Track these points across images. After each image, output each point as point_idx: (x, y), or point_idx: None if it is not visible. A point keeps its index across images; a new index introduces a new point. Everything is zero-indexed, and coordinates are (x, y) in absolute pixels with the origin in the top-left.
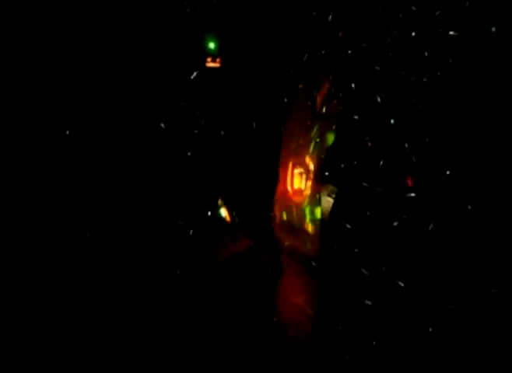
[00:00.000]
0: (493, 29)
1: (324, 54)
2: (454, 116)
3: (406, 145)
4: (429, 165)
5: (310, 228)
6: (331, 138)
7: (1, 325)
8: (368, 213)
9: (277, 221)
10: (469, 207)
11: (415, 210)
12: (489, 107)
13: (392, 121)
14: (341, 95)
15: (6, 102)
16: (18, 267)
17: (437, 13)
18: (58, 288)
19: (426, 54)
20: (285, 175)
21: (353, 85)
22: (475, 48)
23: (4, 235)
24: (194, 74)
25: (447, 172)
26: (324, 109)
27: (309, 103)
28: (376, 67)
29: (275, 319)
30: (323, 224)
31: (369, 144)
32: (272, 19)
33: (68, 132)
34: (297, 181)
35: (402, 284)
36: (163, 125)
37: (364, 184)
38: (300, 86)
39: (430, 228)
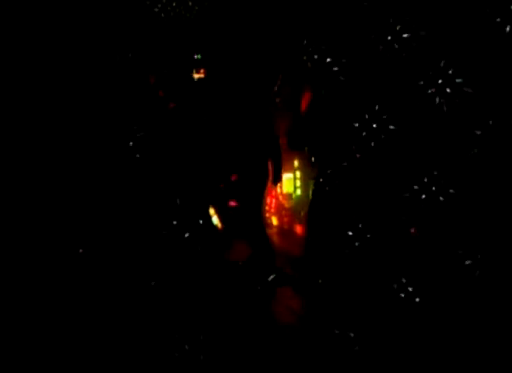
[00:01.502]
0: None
1: (308, 60)
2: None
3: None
4: (420, 158)
5: (299, 230)
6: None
7: (1, 325)
8: (352, 208)
9: (268, 225)
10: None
11: (403, 208)
12: (490, 108)
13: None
14: (327, 98)
15: (6, 102)
16: (18, 267)
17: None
18: (59, 288)
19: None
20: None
21: (340, 87)
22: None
23: (4, 235)
24: (181, 84)
25: (434, 164)
26: (309, 114)
27: (294, 109)
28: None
29: (269, 323)
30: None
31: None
32: (257, 27)
33: (66, 133)
34: (286, 185)
35: (395, 284)
36: (152, 134)
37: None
38: (286, 92)
39: (418, 224)
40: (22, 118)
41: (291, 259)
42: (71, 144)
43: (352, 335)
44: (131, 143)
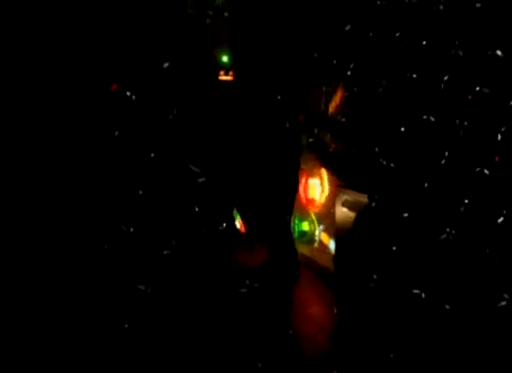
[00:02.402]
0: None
1: (334, 61)
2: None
3: (424, 152)
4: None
5: (324, 238)
6: (345, 147)
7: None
8: (387, 226)
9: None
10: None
11: (435, 226)
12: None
13: (403, 129)
14: (353, 102)
15: (6, 103)
16: (18, 267)
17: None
18: (59, 288)
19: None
20: (300, 184)
21: (364, 91)
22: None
23: (4, 235)
24: (208, 86)
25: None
26: (337, 117)
27: (321, 110)
28: (387, 71)
29: (290, 332)
30: (337, 234)
31: (386, 151)
32: (282, 30)
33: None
34: (312, 191)
35: (419, 295)
36: (178, 135)
37: (386, 194)
38: (313, 94)
39: (447, 239)
40: (25, 118)
41: (316, 268)
42: (90, 144)
43: (376, 345)
44: (157, 149)
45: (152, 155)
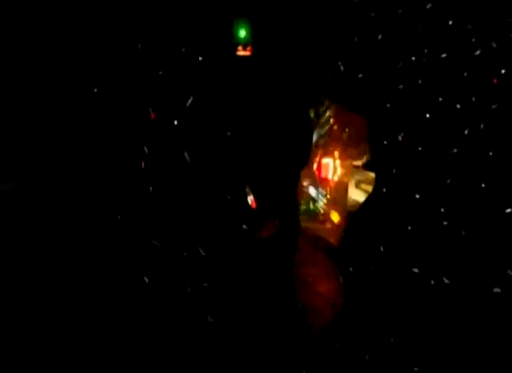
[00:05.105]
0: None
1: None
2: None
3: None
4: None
5: (334, 217)
6: (359, 128)
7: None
8: (398, 206)
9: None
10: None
11: (445, 210)
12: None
13: (427, 115)
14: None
15: (6, 103)
16: (19, 267)
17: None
18: (59, 288)
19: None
20: (313, 163)
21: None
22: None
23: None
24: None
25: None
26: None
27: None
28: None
29: (298, 306)
30: (349, 214)
31: (401, 138)
32: (303, 7)
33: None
34: (324, 170)
35: (426, 274)
36: (193, 111)
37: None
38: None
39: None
40: (25, 118)
41: (323, 244)
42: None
43: (382, 320)
44: (170, 125)
45: (165, 131)
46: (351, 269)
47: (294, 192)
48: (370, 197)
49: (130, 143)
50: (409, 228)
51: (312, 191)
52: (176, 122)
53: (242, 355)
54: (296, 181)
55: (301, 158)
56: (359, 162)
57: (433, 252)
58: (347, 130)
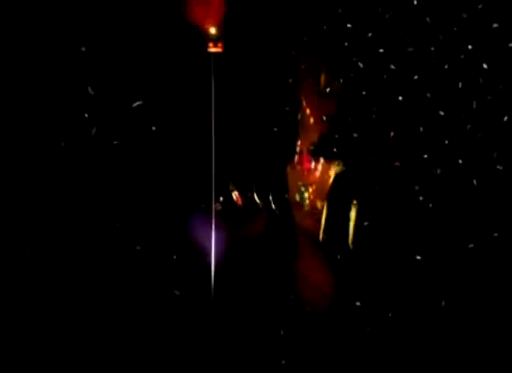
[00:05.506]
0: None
1: (326, 34)
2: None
3: (412, 123)
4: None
5: (320, 206)
6: (337, 117)
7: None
8: (372, 190)
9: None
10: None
11: (421, 190)
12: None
13: (400, 98)
14: (344, 75)
15: (6, 103)
16: (19, 267)
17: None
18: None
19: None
20: (296, 155)
21: (357, 65)
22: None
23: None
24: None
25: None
26: (327, 89)
27: (312, 82)
28: (380, 49)
29: (291, 297)
30: (330, 202)
31: (374, 120)
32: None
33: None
34: (308, 160)
35: (417, 257)
36: (169, 108)
37: (369, 161)
38: (303, 66)
39: (434, 206)
40: (26, 118)
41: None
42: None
43: (376, 312)
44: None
45: (143, 131)
46: (338, 256)
47: (285, 185)
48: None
49: (111, 140)
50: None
51: (298, 183)
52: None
53: (240, 353)
54: (285, 174)
55: (287, 151)
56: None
57: (422, 237)
58: (324, 118)
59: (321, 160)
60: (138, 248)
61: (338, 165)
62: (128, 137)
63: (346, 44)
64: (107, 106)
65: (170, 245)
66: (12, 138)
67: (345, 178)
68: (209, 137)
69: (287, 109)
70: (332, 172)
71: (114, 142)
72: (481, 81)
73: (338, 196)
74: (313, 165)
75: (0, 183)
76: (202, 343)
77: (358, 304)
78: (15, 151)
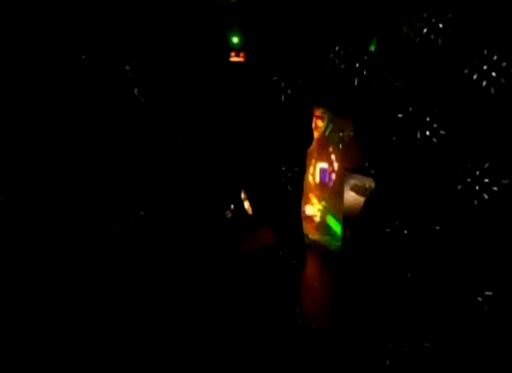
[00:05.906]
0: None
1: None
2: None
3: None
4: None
5: (331, 221)
6: (354, 132)
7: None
8: (394, 210)
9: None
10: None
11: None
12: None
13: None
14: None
15: (6, 103)
16: (19, 267)
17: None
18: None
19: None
20: (309, 168)
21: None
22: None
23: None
24: (219, 68)
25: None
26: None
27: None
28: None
29: (297, 311)
30: (345, 218)
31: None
32: (291, 13)
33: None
34: (320, 175)
35: (425, 277)
36: (188, 116)
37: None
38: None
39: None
40: (24, 119)
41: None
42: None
43: (380, 327)
44: (167, 130)
45: (161, 136)
46: (352, 274)
47: (299, 199)
48: (368, 201)
49: (118, 142)
50: (409, 231)
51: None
52: (172, 124)
53: (241, 355)
54: (300, 188)
55: (302, 164)
56: (349, 166)
57: (434, 254)
58: (341, 134)
59: (338, 177)
60: (144, 254)
61: (353, 183)
62: (145, 143)
63: (365, 57)
64: (124, 111)
65: (178, 251)
66: (13, 138)
67: (374, 201)
68: (225, 147)
69: (303, 123)
70: (346, 190)
71: (126, 149)
72: None
73: (364, 218)
74: (327, 180)
75: (5, 182)
76: (207, 355)
77: (361, 321)
78: (16, 151)
